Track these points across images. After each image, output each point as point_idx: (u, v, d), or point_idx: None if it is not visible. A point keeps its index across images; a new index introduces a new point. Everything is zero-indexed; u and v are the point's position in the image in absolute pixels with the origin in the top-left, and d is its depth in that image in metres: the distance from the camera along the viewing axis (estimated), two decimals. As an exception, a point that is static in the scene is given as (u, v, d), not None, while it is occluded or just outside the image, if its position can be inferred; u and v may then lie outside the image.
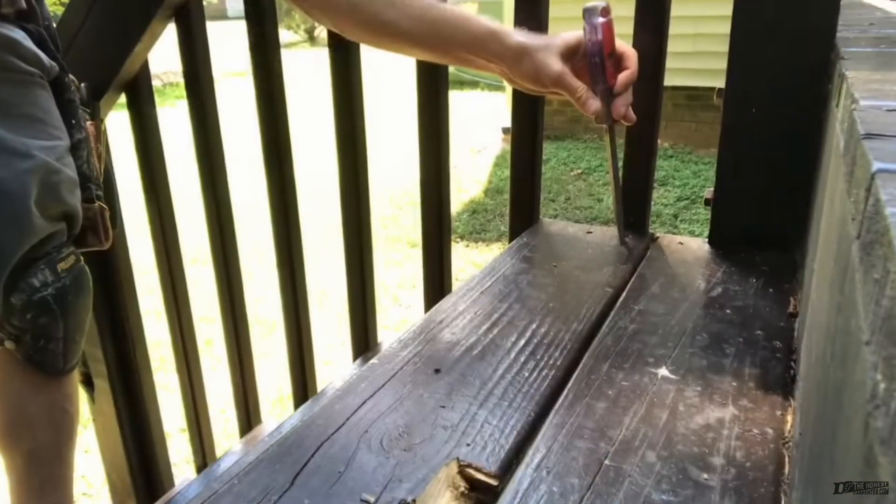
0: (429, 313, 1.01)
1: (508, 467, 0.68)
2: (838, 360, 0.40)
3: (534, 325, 0.95)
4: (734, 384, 0.79)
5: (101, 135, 1.12)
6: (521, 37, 0.91)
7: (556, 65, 0.91)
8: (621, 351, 0.87)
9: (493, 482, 0.66)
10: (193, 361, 1.68)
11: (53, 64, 0.92)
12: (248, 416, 1.73)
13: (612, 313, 0.98)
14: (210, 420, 1.77)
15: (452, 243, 1.55)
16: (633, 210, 1.32)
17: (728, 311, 0.97)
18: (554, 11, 1.37)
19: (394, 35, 0.88)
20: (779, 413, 0.74)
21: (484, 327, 0.95)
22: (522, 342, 0.91)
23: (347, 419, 0.75)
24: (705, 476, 0.63)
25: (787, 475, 0.64)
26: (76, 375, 1.10)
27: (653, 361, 0.84)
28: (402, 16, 0.86)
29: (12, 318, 0.91)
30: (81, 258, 0.98)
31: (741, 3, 1.06)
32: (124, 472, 1.64)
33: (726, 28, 1.09)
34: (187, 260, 1.67)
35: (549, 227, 1.38)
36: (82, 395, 1.57)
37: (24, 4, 0.87)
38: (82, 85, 1.08)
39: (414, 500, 0.63)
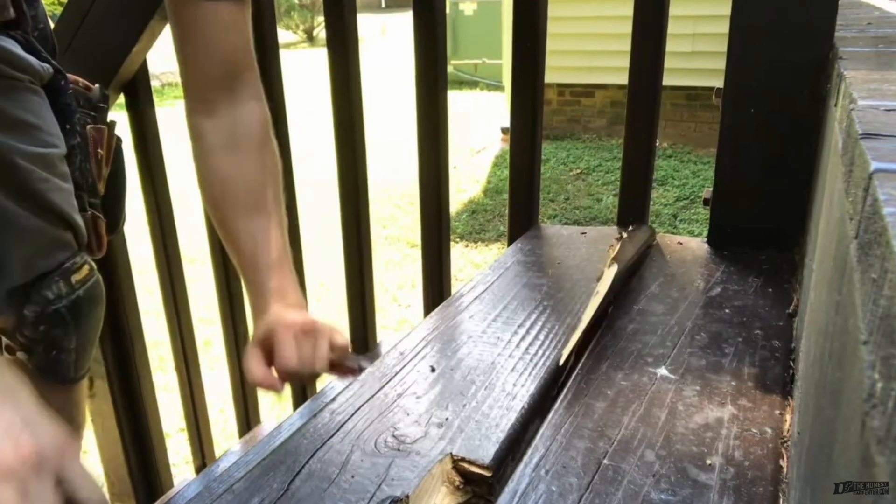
0: (425, 320, 1.01)
1: (502, 459, 0.69)
2: (836, 359, 0.40)
3: (528, 325, 0.95)
4: (733, 384, 0.79)
5: (105, 139, 1.11)
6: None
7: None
8: (620, 350, 0.87)
9: (487, 473, 0.66)
10: (192, 361, 1.68)
11: (47, 66, 0.90)
12: (247, 415, 1.73)
13: (612, 313, 0.98)
14: (209, 420, 1.77)
15: (452, 243, 1.55)
16: (633, 209, 1.32)
17: (727, 310, 0.97)
18: (553, 11, 1.37)
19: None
20: (777, 412, 0.74)
21: (479, 330, 0.95)
22: (517, 340, 0.91)
23: (342, 424, 0.75)
24: (704, 475, 0.64)
25: (786, 474, 0.64)
26: (84, 383, 1.09)
27: (652, 361, 0.84)
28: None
29: (24, 329, 0.90)
30: (95, 268, 0.97)
31: (740, 3, 1.06)
32: (123, 472, 1.64)
33: (725, 28, 1.09)
34: (186, 259, 1.67)
35: (546, 231, 1.38)
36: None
37: (11, 14, 0.86)
38: (96, 86, 1.06)
39: (407, 497, 0.63)
